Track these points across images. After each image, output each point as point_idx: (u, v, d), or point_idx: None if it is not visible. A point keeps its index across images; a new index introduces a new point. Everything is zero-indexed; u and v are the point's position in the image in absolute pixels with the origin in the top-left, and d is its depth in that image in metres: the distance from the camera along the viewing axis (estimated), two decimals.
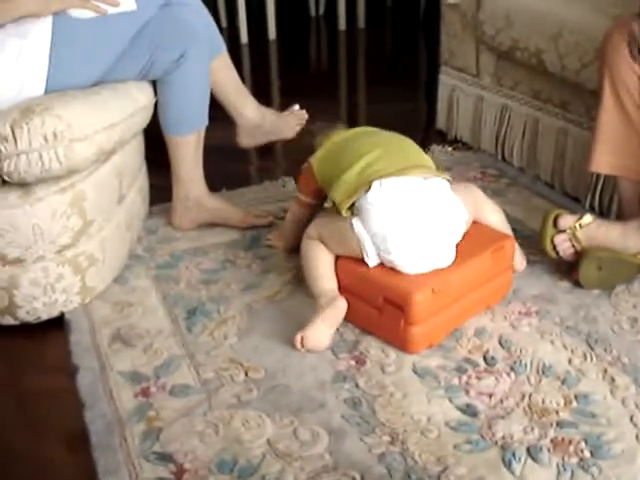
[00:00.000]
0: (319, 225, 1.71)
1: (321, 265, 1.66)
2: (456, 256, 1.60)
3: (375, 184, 1.59)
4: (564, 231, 1.75)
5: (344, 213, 1.62)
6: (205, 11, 1.98)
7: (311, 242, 1.69)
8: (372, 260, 1.58)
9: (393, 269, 1.58)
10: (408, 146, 1.75)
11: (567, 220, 1.75)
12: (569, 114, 2.18)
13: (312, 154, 1.84)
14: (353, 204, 1.62)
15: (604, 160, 1.82)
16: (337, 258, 1.66)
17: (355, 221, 1.59)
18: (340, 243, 1.64)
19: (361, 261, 1.61)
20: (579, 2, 2.10)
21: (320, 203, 1.82)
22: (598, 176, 2.05)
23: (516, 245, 1.74)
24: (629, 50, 1.68)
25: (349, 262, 1.64)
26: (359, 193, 1.60)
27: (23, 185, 1.59)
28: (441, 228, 1.58)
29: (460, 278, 1.60)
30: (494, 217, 1.75)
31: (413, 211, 1.56)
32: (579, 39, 2.01)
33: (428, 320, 1.56)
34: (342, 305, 1.59)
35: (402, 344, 1.57)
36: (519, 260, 1.78)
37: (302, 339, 1.56)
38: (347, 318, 1.63)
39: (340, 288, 1.64)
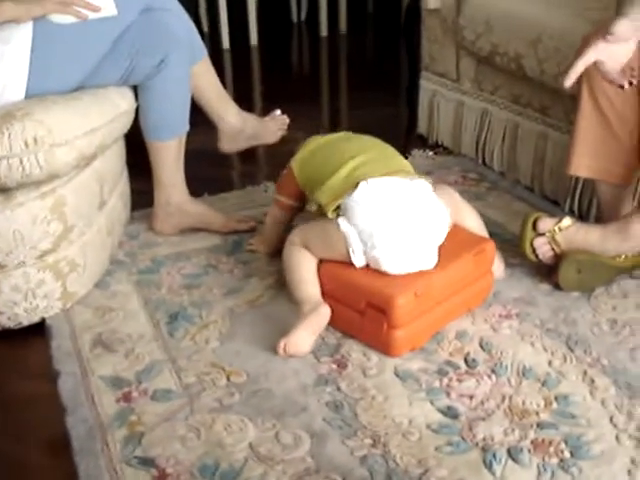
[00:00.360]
0: (303, 230, 1.71)
1: (304, 271, 1.66)
2: (438, 259, 1.61)
3: (362, 184, 1.61)
4: (543, 234, 1.76)
5: (330, 215, 1.63)
6: (186, 16, 1.99)
7: (294, 248, 1.69)
8: (358, 258, 1.59)
9: (376, 273, 1.59)
10: (389, 152, 1.78)
11: (546, 223, 1.76)
12: (548, 118, 2.20)
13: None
14: (339, 206, 1.63)
15: (583, 164, 1.83)
16: (320, 263, 1.66)
17: (341, 220, 1.60)
18: (326, 245, 1.64)
19: (344, 265, 1.61)
20: (559, 8, 2.12)
21: (301, 205, 1.83)
22: (577, 179, 2.07)
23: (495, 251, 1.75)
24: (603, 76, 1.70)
25: (332, 267, 1.64)
26: (344, 194, 1.61)
27: (3, 190, 1.59)
28: (426, 228, 1.60)
29: (442, 281, 1.61)
30: (472, 220, 1.77)
31: (400, 209, 1.58)
32: (558, 44, 2.03)
33: (411, 323, 1.57)
34: (325, 312, 1.60)
35: (385, 348, 1.57)
36: (498, 266, 1.79)
37: (285, 345, 1.56)
38: (330, 323, 1.63)
39: (322, 293, 1.64)
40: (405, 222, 1.57)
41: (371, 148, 1.76)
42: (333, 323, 1.64)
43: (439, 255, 1.62)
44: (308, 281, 1.65)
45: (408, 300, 1.54)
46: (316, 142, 1.83)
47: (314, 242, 1.66)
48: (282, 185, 1.89)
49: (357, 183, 1.61)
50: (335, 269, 1.64)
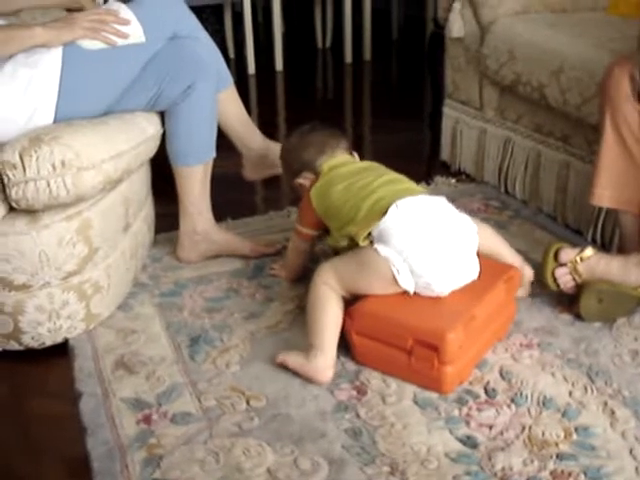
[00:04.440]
0: (335, 265, 1.65)
1: (328, 316, 1.60)
2: (473, 290, 1.61)
3: (391, 208, 1.60)
4: (565, 264, 1.76)
5: (361, 242, 1.61)
6: (213, 44, 2.01)
7: (323, 289, 1.62)
8: (405, 279, 1.56)
9: (416, 308, 1.57)
10: (404, 179, 1.77)
11: (568, 253, 1.76)
12: (571, 147, 2.20)
13: None
14: (369, 233, 1.61)
15: (605, 194, 1.83)
16: (354, 306, 1.62)
17: (379, 246, 1.58)
18: (365, 275, 1.60)
19: (381, 305, 1.59)
20: (581, 38, 2.13)
21: (322, 232, 1.83)
22: (600, 209, 2.07)
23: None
24: (631, 91, 1.70)
25: (369, 307, 1.60)
26: (375, 222, 1.60)
27: (30, 212, 1.62)
28: (462, 240, 1.61)
29: (483, 311, 1.60)
30: (506, 249, 1.78)
31: (434, 226, 1.59)
32: (580, 74, 2.04)
33: (460, 358, 1.55)
34: (324, 379, 1.58)
35: (436, 385, 1.54)
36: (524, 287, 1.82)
37: (283, 358, 1.61)
38: (370, 365, 1.61)
39: (359, 334, 1.61)
40: (442, 238, 1.58)
41: (385, 174, 1.76)
42: (374, 365, 1.61)
43: (473, 286, 1.62)
44: (329, 329, 1.60)
45: (458, 334, 1.52)
46: (331, 172, 1.80)
47: (351, 275, 1.62)
48: (302, 216, 1.86)
49: (385, 209, 1.60)
50: (373, 309, 1.60)
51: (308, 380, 1.59)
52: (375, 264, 1.58)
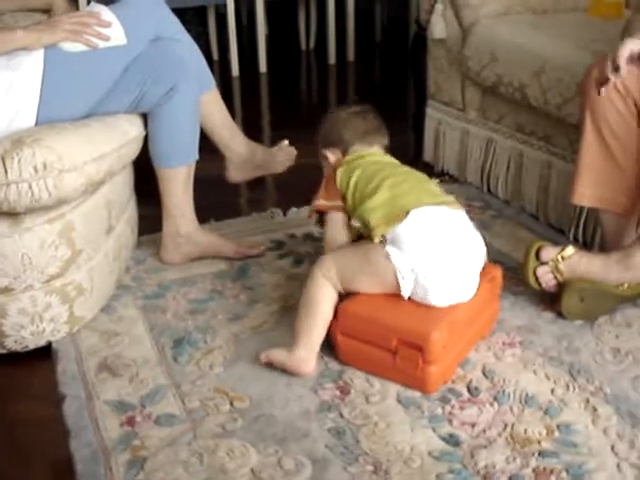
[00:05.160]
0: (339, 257, 1.65)
1: (320, 312, 1.61)
2: None
3: (412, 213, 1.59)
4: (546, 263, 1.77)
5: (376, 239, 1.60)
6: (195, 46, 2.01)
7: (322, 282, 1.62)
8: (407, 289, 1.57)
9: (401, 309, 1.58)
10: (426, 179, 1.77)
11: (549, 252, 1.77)
12: (552, 147, 2.22)
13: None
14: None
15: (586, 193, 1.85)
16: (336, 307, 1.62)
17: (391, 249, 1.57)
18: (368, 273, 1.60)
19: (366, 306, 1.60)
20: (561, 39, 2.15)
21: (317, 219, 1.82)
22: (581, 208, 2.08)
23: None
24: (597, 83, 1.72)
25: (354, 308, 1.61)
26: (395, 222, 1.59)
27: (12, 215, 1.61)
28: (473, 260, 1.62)
29: (468, 311, 1.62)
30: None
31: (450, 241, 1.59)
32: (561, 75, 2.06)
33: (444, 358, 1.56)
34: (308, 370, 1.59)
35: (420, 384, 1.55)
36: None
37: (266, 356, 1.62)
38: (355, 365, 1.62)
39: (343, 334, 1.61)
40: (455, 254, 1.58)
41: (409, 173, 1.76)
42: (359, 365, 1.62)
43: None
44: (319, 324, 1.61)
45: (442, 334, 1.53)
46: (361, 159, 1.78)
47: (353, 270, 1.62)
48: (328, 191, 1.76)
49: (407, 211, 1.60)
50: (357, 309, 1.60)
51: (291, 373, 1.59)
52: (383, 266, 1.58)
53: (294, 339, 1.61)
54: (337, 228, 1.74)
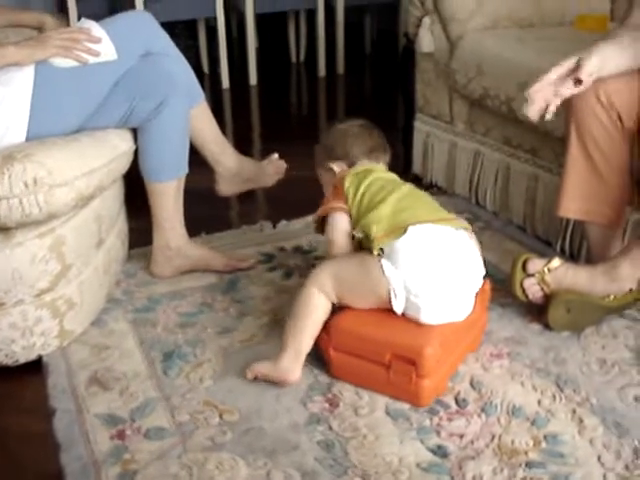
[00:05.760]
0: (333, 266, 1.65)
1: (312, 321, 1.62)
2: None
3: (411, 229, 1.59)
4: (533, 275, 1.79)
5: (375, 251, 1.60)
6: (184, 61, 2.02)
7: (316, 294, 1.62)
8: (399, 305, 1.57)
9: (393, 324, 1.58)
10: (430, 199, 1.77)
11: (535, 264, 1.79)
12: (539, 160, 2.24)
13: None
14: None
15: (572, 206, 1.87)
16: (328, 323, 1.62)
17: (385, 263, 1.57)
18: (362, 285, 1.60)
19: (358, 320, 1.60)
20: (548, 52, 2.16)
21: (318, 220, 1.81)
22: (568, 220, 2.10)
23: None
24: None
25: (346, 323, 1.61)
26: (394, 236, 1.59)
27: (3, 230, 1.62)
28: (469, 281, 1.62)
29: (459, 324, 1.62)
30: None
31: (446, 261, 1.58)
32: None
33: (437, 372, 1.56)
34: (294, 379, 1.60)
35: (413, 399, 1.56)
36: None
37: (253, 370, 1.63)
38: (347, 379, 1.62)
39: (336, 350, 1.62)
40: (451, 274, 1.58)
41: (413, 190, 1.76)
42: (352, 380, 1.62)
43: None
44: (307, 335, 1.61)
45: (435, 349, 1.53)
46: (368, 173, 1.77)
47: (348, 280, 1.61)
48: (335, 195, 1.76)
49: (407, 226, 1.60)
50: (350, 325, 1.61)
51: (277, 383, 1.60)
52: (376, 278, 1.58)
53: (281, 347, 1.62)
54: (340, 230, 1.72)
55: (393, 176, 1.83)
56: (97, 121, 1.84)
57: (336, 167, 1.84)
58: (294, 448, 1.46)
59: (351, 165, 1.82)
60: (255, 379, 1.63)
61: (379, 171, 1.80)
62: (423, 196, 1.77)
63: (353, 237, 1.70)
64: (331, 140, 1.89)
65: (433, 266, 1.57)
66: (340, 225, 1.72)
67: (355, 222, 1.70)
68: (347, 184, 1.74)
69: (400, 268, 1.56)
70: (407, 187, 1.76)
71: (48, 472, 1.45)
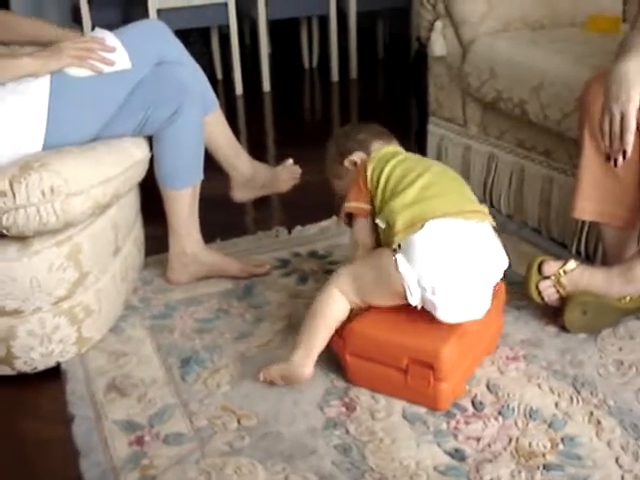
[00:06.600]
0: (352, 271, 1.64)
1: (328, 321, 1.62)
2: None
3: (429, 224, 1.56)
4: (549, 277, 1.79)
5: (394, 245, 1.58)
6: (198, 69, 2.04)
7: (336, 295, 1.62)
8: (415, 299, 1.56)
9: (410, 327, 1.58)
10: (460, 183, 1.74)
11: (551, 266, 1.79)
12: (553, 162, 2.24)
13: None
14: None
15: (587, 207, 1.86)
16: (344, 328, 1.63)
17: (400, 259, 1.56)
18: (380, 283, 1.59)
19: (375, 325, 1.60)
20: (559, 54, 2.17)
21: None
22: (583, 222, 2.10)
23: None
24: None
25: (362, 328, 1.61)
26: (412, 230, 1.57)
27: (21, 238, 1.64)
28: (487, 278, 1.61)
29: (475, 327, 1.62)
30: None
31: (464, 258, 1.56)
32: (560, 90, 2.08)
33: (454, 374, 1.56)
34: (305, 376, 1.61)
35: (431, 402, 1.56)
36: None
37: (264, 375, 1.63)
38: (365, 385, 1.63)
39: (352, 355, 1.62)
40: (468, 272, 1.55)
41: (443, 173, 1.73)
42: (369, 384, 1.63)
43: None
44: (320, 333, 1.62)
45: (452, 352, 1.54)
46: (389, 154, 1.76)
47: (366, 277, 1.61)
48: (357, 192, 1.74)
49: (424, 221, 1.56)
50: (366, 330, 1.61)
51: (288, 380, 1.61)
52: (392, 273, 1.56)
53: (294, 344, 1.63)
54: (363, 234, 1.73)
55: (418, 156, 1.82)
56: (112, 130, 1.85)
57: (355, 157, 1.83)
58: (312, 452, 1.46)
59: (367, 150, 1.82)
60: (271, 383, 1.64)
61: (403, 152, 1.80)
62: (452, 180, 1.73)
63: (377, 226, 1.69)
64: (339, 139, 1.91)
65: (449, 263, 1.54)
66: (363, 230, 1.73)
67: (379, 209, 1.68)
68: (370, 169, 1.72)
69: (415, 265, 1.54)
70: (436, 168, 1.73)
71: (67, 478, 1.46)
